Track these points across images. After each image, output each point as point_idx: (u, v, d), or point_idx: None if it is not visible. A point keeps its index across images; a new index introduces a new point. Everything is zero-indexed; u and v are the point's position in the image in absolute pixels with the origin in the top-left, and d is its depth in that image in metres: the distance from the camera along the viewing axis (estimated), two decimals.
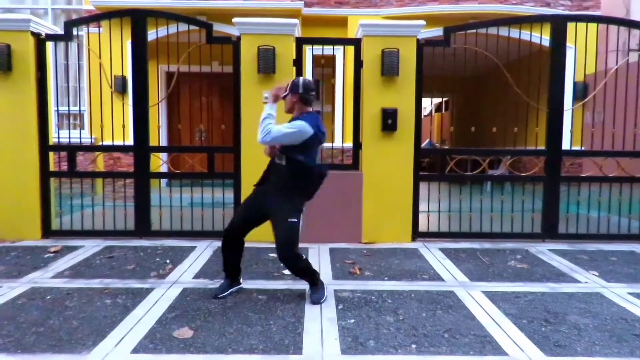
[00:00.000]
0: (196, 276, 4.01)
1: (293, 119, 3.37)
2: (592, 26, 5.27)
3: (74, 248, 4.85)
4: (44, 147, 5.23)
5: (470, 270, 4.27)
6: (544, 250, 4.95)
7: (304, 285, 3.67)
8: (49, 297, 3.48)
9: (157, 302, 3.40)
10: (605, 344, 2.80)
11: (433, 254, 4.80)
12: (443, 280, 4.00)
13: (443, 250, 4.94)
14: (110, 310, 3.23)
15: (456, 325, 3.05)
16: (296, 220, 3.31)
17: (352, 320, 3.11)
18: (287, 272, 4.09)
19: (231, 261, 3.54)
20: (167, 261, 4.42)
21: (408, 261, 4.53)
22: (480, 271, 4.25)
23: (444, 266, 4.38)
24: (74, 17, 9.05)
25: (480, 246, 5.10)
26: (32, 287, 3.68)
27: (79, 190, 5.44)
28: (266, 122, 3.22)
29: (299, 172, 3.29)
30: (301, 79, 3.40)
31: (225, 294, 3.50)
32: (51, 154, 5.33)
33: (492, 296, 3.59)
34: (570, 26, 5.24)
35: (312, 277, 3.47)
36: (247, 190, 5.09)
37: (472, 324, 3.08)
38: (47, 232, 5.26)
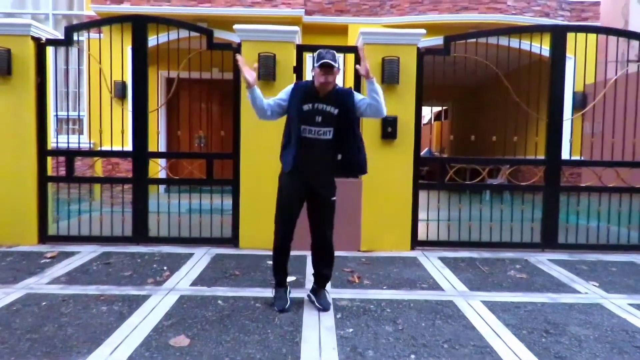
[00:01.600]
0: (193, 283, 3.97)
1: (333, 91, 3.22)
2: (592, 37, 5.29)
3: (71, 254, 4.81)
4: (42, 151, 5.21)
5: (469, 279, 4.24)
6: (543, 260, 4.93)
7: (302, 294, 3.64)
8: (44, 303, 3.44)
9: (154, 309, 3.36)
10: (606, 356, 2.77)
11: (432, 262, 4.77)
12: (442, 289, 3.97)
13: (442, 259, 4.91)
14: (106, 317, 3.20)
15: (456, 336, 3.01)
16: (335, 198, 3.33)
17: (351, 330, 3.08)
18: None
19: (286, 265, 3.45)
20: (165, 268, 4.39)
21: (407, 270, 4.50)
22: (480, 281, 4.22)
23: (443, 275, 4.35)
24: (75, 22, 9.08)
25: (479, 255, 5.08)
26: (27, 293, 3.64)
27: (76, 196, 5.41)
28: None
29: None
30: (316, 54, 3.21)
31: (289, 304, 3.39)
32: (49, 159, 5.31)
33: (491, 306, 3.56)
34: (570, 36, 5.26)
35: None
36: (246, 196, 5.10)
37: (471, 334, 3.05)
38: (44, 237, 5.22)
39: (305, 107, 3.18)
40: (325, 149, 3.23)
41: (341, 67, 3.30)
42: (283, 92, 3.32)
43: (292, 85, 3.33)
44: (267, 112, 3.24)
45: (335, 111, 3.19)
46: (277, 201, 3.35)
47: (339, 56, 3.25)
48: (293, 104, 3.21)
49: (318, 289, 3.49)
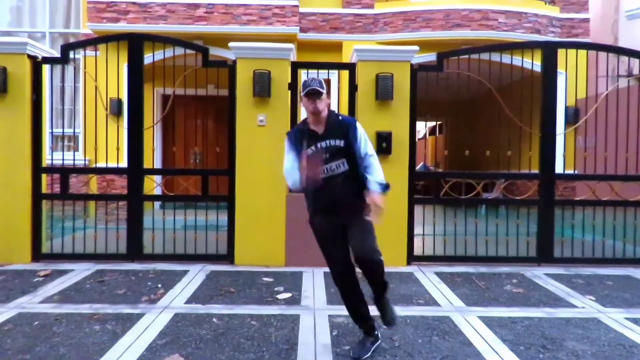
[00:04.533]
0: (188, 301, 3.93)
1: (332, 121, 3.06)
2: (582, 53, 5.37)
3: (64, 272, 4.77)
4: (37, 169, 5.19)
5: (466, 294, 4.23)
6: (539, 275, 4.92)
7: (297, 311, 3.61)
8: (36, 322, 3.39)
9: (148, 328, 3.32)
10: None
11: (428, 278, 4.76)
12: (439, 305, 3.95)
13: (438, 274, 4.90)
14: (99, 337, 3.16)
15: (452, 352, 2.99)
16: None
17: (347, 347, 3.04)
18: (280, 297, 4.04)
19: (362, 308, 3.04)
20: (159, 285, 4.35)
21: (403, 285, 4.48)
22: (476, 296, 4.20)
23: (439, 290, 4.33)
24: (72, 40, 9.14)
25: (475, 270, 5.07)
26: (19, 313, 3.59)
27: (71, 213, 5.37)
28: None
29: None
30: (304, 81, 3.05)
31: (368, 355, 2.92)
32: (44, 176, 5.29)
33: (488, 321, 3.54)
34: (561, 52, 5.35)
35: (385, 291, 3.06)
36: (241, 213, 5.09)
37: (468, 350, 3.03)
38: (38, 255, 5.18)
39: (309, 151, 2.96)
40: (344, 180, 2.97)
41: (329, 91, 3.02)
42: (288, 152, 3.06)
43: (287, 142, 3.10)
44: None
45: (342, 143, 2.98)
46: (317, 242, 3.08)
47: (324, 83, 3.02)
48: (299, 154, 2.99)
49: (377, 298, 3.05)
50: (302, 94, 2.98)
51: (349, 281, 3.01)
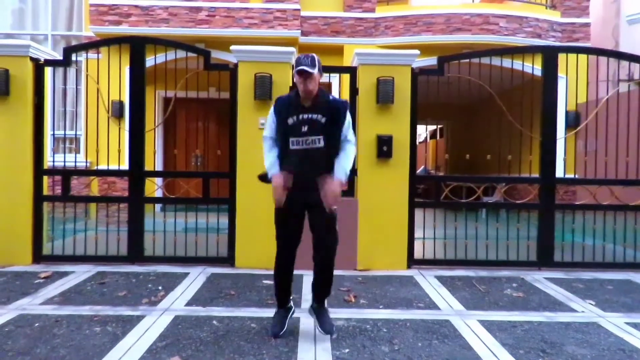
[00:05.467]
0: (188, 303, 3.94)
1: (321, 99, 3.10)
2: (583, 57, 5.39)
3: (65, 274, 4.78)
4: (39, 171, 5.21)
5: (466, 298, 4.23)
6: (539, 279, 4.92)
7: (297, 313, 3.61)
8: (37, 324, 3.40)
9: (148, 330, 3.33)
10: None
11: (429, 281, 4.76)
12: (439, 308, 3.95)
13: (439, 277, 4.90)
14: (99, 339, 3.16)
15: (452, 356, 2.99)
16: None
17: (347, 350, 3.05)
18: None
19: (289, 284, 3.29)
20: (160, 287, 4.36)
21: (404, 289, 4.48)
22: (476, 300, 4.20)
23: (439, 294, 4.34)
24: (74, 42, 9.18)
25: (475, 274, 5.07)
26: (20, 314, 3.60)
27: (72, 215, 5.39)
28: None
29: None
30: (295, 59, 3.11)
31: (285, 328, 3.23)
32: (45, 178, 5.31)
33: (488, 325, 3.54)
34: (561, 57, 5.36)
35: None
36: (242, 215, 5.10)
37: (468, 354, 3.03)
38: (38, 257, 5.19)
39: (290, 120, 3.05)
40: (318, 157, 3.05)
41: (322, 71, 3.09)
42: (269, 124, 3.19)
43: (272, 108, 3.20)
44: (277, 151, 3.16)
45: (323, 119, 3.04)
46: (274, 218, 3.26)
47: (320, 60, 3.08)
48: (279, 123, 3.11)
49: (318, 307, 3.32)
50: (294, 71, 3.04)
51: (292, 258, 3.22)
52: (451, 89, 5.22)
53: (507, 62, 5.50)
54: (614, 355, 3.04)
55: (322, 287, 3.28)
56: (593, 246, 5.38)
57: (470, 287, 4.60)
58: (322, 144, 3.04)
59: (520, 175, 5.51)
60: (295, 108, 3.08)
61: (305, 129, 3.03)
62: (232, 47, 5.14)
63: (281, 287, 3.31)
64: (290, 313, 3.36)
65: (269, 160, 3.18)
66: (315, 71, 2.98)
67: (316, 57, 3.03)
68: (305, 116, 3.05)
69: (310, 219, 3.20)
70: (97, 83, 5.27)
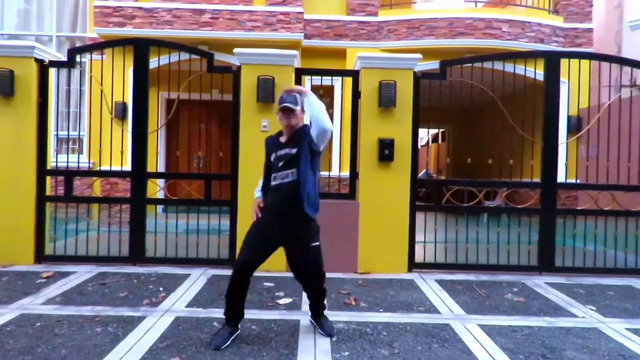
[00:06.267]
0: (189, 305, 3.95)
1: (297, 132, 3.21)
2: (585, 62, 5.39)
3: (67, 274, 4.79)
4: (42, 171, 5.23)
5: (466, 302, 4.23)
6: (540, 284, 4.92)
7: (297, 316, 3.62)
8: (38, 324, 3.41)
9: (149, 330, 3.34)
10: None
11: (429, 285, 4.76)
12: (439, 312, 3.95)
13: (439, 281, 4.90)
14: (100, 339, 3.17)
15: None
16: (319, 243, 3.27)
17: (347, 353, 3.05)
18: (281, 302, 4.05)
19: (241, 303, 3.21)
20: (161, 289, 4.37)
21: (404, 292, 4.49)
22: (477, 304, 4.20)
23: (440, 298, 4.34)
24: (78, 44, 9.22)
25: (476, 278, 5.07)
26: (21, 314, 3.61)
27: (74, 215, 5.41)
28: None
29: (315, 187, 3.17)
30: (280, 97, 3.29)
31: (227, 344, 3.10)
32: (48, 178, 5.33)
33: (488, 330, 3.54)
34: (564, 62, 5.37)
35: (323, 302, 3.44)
36: (244, 217, 5.11)
37: (468, 358, 3.03)
38: (41, 257, 5.20)
39: (272, 157, 3.24)
40: (292, 190, 3.10)
41: (304, 107, 3.25)
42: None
43: (265, 144, 3.42)
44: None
45: (294, 150, 3.14)
46: (251, 230, 3.25)
47: (301, 98, 3.22)
48: (267, 159, 3.35)
49: (316, 319, 3.44)
50: (278, 109, 3.22)
51: (247, 279, 3.17)
52: (453, 93, 5.22)
53: (509, 67, 5.51)
54: None
55: (315, 302, 3.40)
56: (594, 251, 5.37)
57: (471, 291, 4.60)
58: (295, 177, 3.13)
59: (522, 179, 5.51)
60: (275, 145, 3.28)
61: (280, 164, 3.19)
62: (235, 50, 5.16)
63: (232, 308, 3.21)
64: (236, 334, 3.22)
65: (259, 185, 3.40)
66: (298, 108, 3.17)
67: (298, 96, 3.21)
68: (282, 152, 3.22)
69: (289, 257, 3.33)
70: (101, 84, 5.30)
